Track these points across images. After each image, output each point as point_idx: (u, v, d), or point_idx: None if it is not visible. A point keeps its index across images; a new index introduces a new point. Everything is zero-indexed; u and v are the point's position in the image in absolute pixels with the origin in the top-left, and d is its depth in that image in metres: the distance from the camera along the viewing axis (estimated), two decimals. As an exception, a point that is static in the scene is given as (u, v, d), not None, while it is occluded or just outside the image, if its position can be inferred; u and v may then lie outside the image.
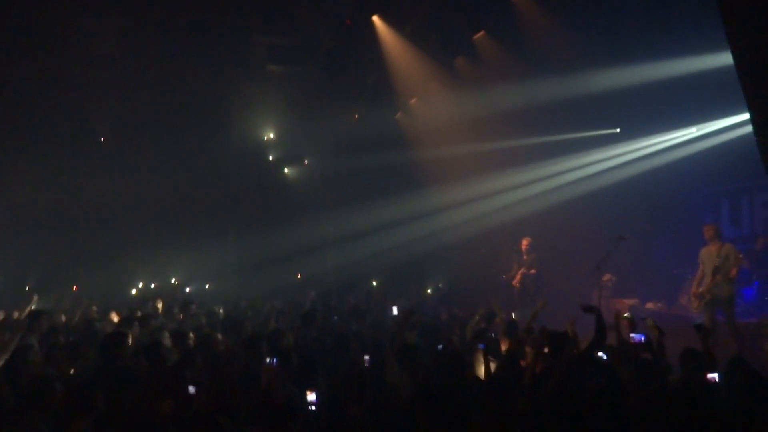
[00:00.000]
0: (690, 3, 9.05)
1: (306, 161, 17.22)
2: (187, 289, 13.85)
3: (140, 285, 13.71)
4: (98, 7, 12.23)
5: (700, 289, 8.85)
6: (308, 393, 4.67)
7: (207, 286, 14.71)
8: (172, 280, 14.19)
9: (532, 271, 12.10)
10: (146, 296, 11.70)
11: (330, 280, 14.74)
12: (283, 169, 17.22)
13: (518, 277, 12.07)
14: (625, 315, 6.84)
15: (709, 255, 8.89)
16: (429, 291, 12.63)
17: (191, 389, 4.60)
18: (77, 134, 14.82)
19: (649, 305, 11.57)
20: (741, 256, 9.03)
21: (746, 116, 9.53)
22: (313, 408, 4.59)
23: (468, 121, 12.87)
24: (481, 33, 10.70)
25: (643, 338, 5.80)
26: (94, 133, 15.40)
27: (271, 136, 16.73)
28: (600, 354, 5.36)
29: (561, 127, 12.82)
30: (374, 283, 13.10)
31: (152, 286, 14.03)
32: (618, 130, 13.08)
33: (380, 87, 13.96)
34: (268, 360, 5.15)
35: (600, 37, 9.84)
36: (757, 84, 5.34)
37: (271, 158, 17.06)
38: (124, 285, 13.69)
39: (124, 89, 14.22)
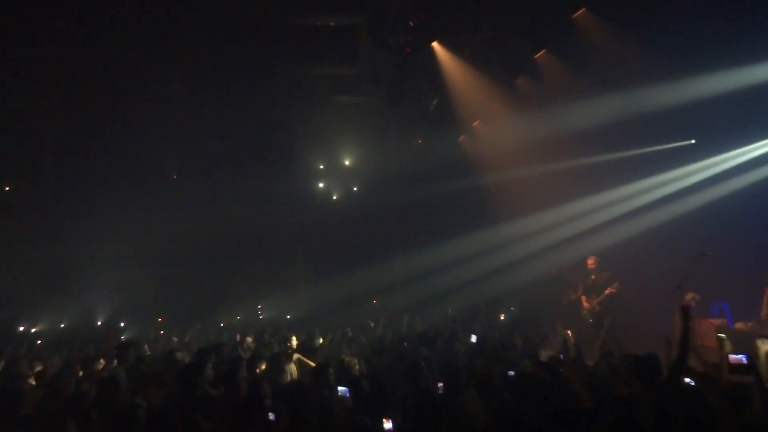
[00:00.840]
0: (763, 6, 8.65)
1: (370, 192, 17.37)
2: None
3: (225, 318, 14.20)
4: (165, 49, 12.92)
5: None
6: (385, 421, 4.61)
7: (288, 316, 15.06)
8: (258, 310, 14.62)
9: (609, 291, 11.38)
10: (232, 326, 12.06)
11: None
12: (344, 201, 17.42)
13: (585, 299, 11.56)
14: (720, 335, 6.44)
15: None
16: (502, 317, 12.35)
17: (271, 416, 4.67)
18: (153, 173, 15.61)
19: (739, 325, 10.83)
20: None
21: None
22: None
23: (532, 142, 12.68)
24: (542, 51, 10.58)
25: (745, 359, 5.36)
26: (166, 171, 16.25)
27: (342, 164, 16.99)
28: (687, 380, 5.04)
29: (631, 142, 12.34)
30: (449, 310, 12.98)
31: (237, 317, 14.53)
32: (693, 141, 12.46)
33: (442, 111, 14.03)
34: (339, 389, 5.13)
35: (667, 47, 9.49)
36: None
37: (335, 195, 17.37)
38: (204, 316, 14.18)
39: (194, 129, 14.96)
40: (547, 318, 11.09)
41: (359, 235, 16.14)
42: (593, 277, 11.67)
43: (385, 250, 16.12)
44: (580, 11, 9.71)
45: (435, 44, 11.53)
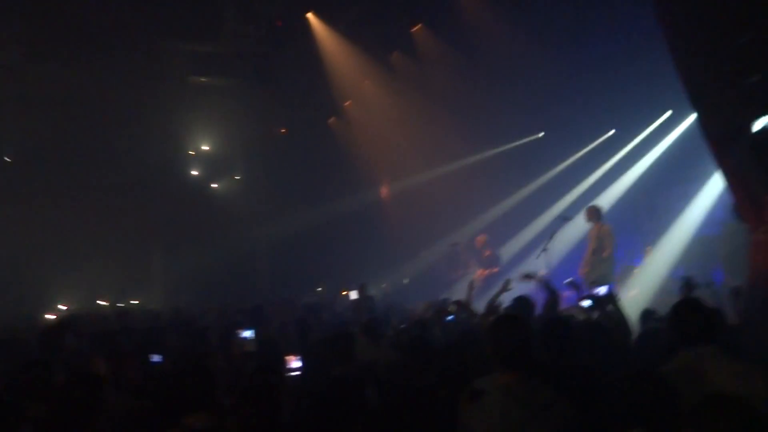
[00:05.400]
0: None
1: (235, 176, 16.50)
2: None
3: None
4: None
5: None
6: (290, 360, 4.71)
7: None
8: None
9: (495, 270, 11.58)
10: None
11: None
12: (210, 185, 16.39)
13: (479, 273, 11.75)
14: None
15: None
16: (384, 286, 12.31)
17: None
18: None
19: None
20: None
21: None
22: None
23: (406, 121, 12.80)
24: (419, 26, 10.72)
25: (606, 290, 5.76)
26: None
27: (198, 149, 15.93)
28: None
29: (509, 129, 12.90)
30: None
31: None
32: (541, 134, 13.31)
33: (313, 91, 13.71)
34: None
35: (545, 28, 9.98)
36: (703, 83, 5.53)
37: (195, 173, 16.24)
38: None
39: (34, 101, 13.11)
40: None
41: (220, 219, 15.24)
42: (486, 254, 11.88)
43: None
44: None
45: (310, 15, 11.21)
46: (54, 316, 10.74)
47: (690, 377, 2.94)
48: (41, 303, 11.98)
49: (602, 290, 5.67)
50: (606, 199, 12.04)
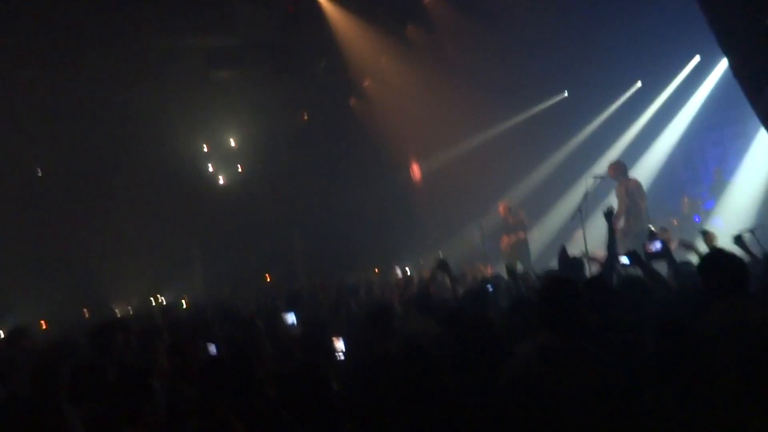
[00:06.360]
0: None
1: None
2: None
3: None
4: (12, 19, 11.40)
5: None
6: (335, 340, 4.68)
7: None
8: None
9: (522, 235, 11.45)
10: None
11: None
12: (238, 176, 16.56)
13: (505, 240, 11.67)
14: None
15: None
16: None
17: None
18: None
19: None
20: None
21: None
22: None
23: (426, 95, 12.65)
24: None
25: (659, 245, 5.58)
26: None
27: (226, 142, 16.13)
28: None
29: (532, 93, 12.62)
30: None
31: None
32: (566, 93, 13.00)
33: (331, 74, 13.67)
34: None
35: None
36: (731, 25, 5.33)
37: (223, 166, 16.45)
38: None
39: (59, 111, 13.38)
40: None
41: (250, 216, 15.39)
42: (511, 220, 11.74)
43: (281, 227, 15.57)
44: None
45: (322, -1, 11.14)
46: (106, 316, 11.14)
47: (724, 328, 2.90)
48: (93, 303, 12.37)
49: (656, 245, 5.42)
50: (652, 158, 11.83)
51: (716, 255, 3.36)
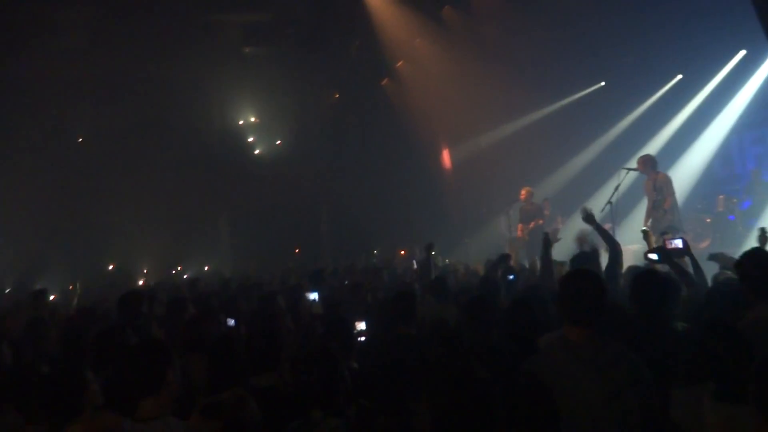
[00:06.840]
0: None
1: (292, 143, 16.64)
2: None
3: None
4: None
5: None
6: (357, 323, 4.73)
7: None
8: None
9: (540, 222, 11.28)
10: None
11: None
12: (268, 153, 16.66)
13: (521, 228, 11.52)
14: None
15: None
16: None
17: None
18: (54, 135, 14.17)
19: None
20: None
21: None
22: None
23: (461, 78, 12.47)
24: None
25: (681, 242, 5.44)
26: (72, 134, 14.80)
27: (256, 118, 16.22)
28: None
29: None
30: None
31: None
32: (603, 83, 12.68)
33: (364, 54, 13.59)
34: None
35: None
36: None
37: (253, 142, 16.58)
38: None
39: (98, 85, 13.63)
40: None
41: (284, 191, 15.48)
42: (528, 207, 11.59)
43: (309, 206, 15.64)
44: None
45: (358, -24, 11.04)
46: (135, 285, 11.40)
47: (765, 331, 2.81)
48: (122, 274, 12.64)
49: (677, 242, 5.34)
50: (690, 155, 11.52)
51: (757, 253, 3.23)
